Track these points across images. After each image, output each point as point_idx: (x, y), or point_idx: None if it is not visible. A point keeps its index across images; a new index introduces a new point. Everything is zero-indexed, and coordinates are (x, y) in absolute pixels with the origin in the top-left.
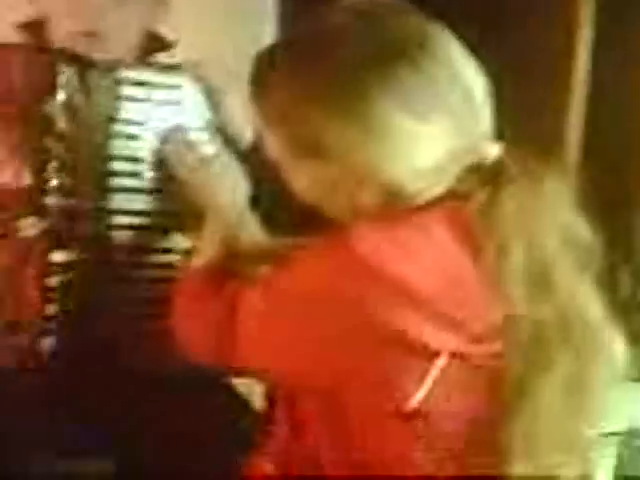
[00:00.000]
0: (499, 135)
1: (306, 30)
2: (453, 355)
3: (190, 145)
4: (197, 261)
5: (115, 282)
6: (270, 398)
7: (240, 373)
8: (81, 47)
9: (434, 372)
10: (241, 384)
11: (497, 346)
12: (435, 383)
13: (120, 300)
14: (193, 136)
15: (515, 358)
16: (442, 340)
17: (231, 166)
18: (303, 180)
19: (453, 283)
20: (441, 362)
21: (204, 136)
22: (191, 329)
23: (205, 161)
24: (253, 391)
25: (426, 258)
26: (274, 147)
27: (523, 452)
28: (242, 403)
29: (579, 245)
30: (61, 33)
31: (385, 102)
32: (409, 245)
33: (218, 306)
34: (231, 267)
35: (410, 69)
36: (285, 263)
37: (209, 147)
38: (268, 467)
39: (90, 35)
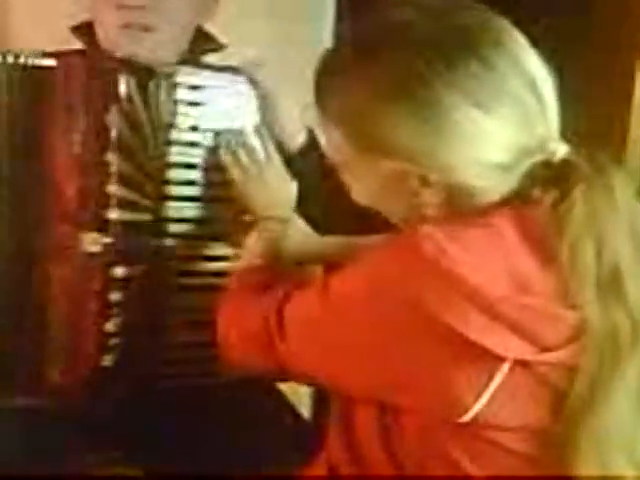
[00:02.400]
0: (566, 138)
1: (369, 27)
2: (517, 362)
3: (247, 148)
4: (242, 267)
5: (173, 291)
6: (320, 402)
7: (285, 379)
8: (129, 44)
9: (496, 380)
10: (289, 389)
11: (565, 355)
12: (496, 392)
13: (176, 309)
14: (250, 140)
15: (586, 363)
16: (506, 346)
17: (283, 171)
18: (367, 179)
19: (520, 287)
20: (504, 369)
21: (259, 139)
22: (233, 336)
23: (261, 165)
24: (301, 396)
25: (492, 260)
26: (338, 148)
27: (592, 460)
28: (290, 408)
29: None
30: (110, 31)
31: (453, 96)
32: (475, 246)
33: (261, 313)
34: (277, 271)
35: (478, 63)
36: (343, 266)
37: (262, 150)
38: (320, 471)
39: (139, 28)
